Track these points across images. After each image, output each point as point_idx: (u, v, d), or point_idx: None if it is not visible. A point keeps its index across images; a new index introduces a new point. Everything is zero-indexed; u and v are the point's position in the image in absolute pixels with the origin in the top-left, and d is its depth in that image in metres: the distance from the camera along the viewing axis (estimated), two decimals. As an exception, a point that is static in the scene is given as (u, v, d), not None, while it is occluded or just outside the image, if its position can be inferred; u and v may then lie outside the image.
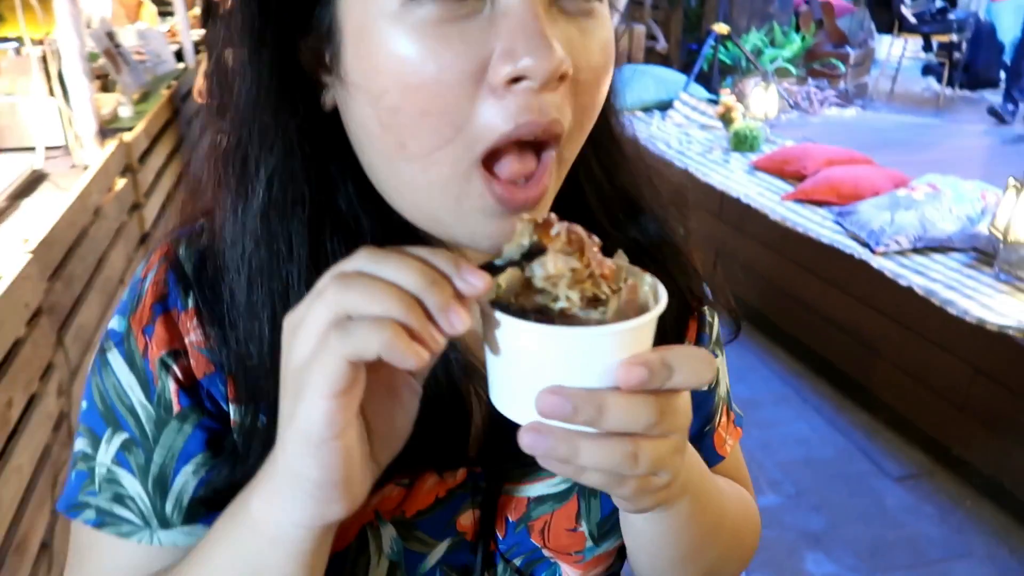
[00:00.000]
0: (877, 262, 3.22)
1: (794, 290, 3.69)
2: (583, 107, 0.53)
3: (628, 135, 0.68)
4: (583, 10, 0.51)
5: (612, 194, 0.66)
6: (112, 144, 3.03)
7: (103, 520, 0.60)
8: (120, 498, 0.60)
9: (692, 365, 0.46)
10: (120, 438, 0.60)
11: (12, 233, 2.26)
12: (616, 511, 0.67)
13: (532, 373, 0.46)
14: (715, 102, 5.35)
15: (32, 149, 2.81)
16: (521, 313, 0.46)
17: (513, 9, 0.48)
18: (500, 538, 0.67)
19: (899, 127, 5.84)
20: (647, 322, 0.46)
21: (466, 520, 0.66)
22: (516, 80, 0.48)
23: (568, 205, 0.59)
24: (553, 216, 0.48)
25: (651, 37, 7.13)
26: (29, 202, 2.55)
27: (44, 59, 2.81)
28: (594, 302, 0.46)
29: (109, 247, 2.77)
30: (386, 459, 0.51)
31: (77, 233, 2.43)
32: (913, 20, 6.82)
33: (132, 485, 0.60)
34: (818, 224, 3.64)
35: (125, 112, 3.64)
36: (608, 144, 0.65)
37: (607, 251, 0.49)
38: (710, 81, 5.91)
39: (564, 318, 0.46)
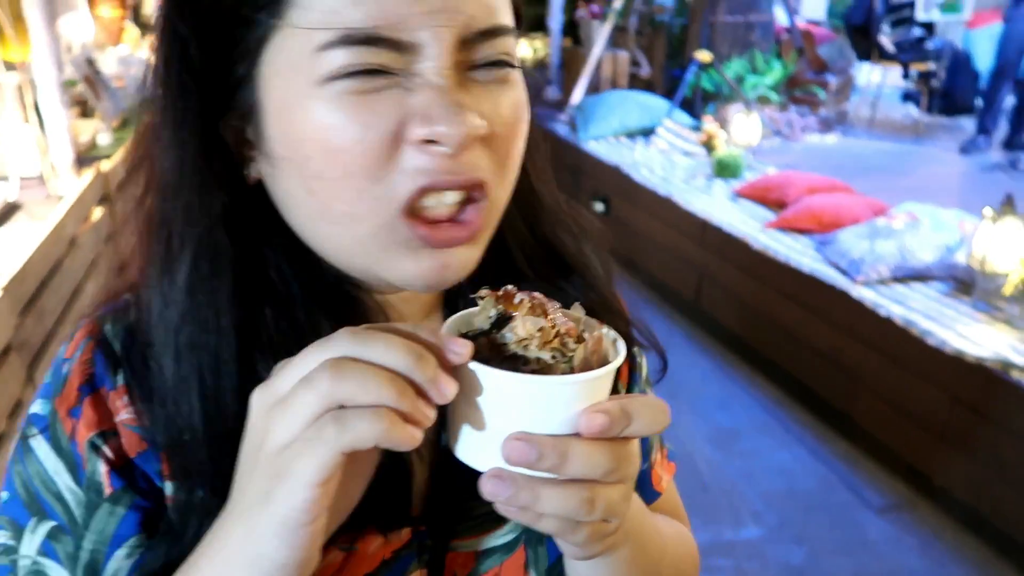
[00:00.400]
0: (857, 291, 3.24)
1: (776, 318, 3.70)
2: (502, 157, 0.57)
3: (548, 187, 0.70)
4: (496, 78, 0.55)
5: (536, 246, 0.69)
6: (89, 173, 3.01)
7: None
8: None
9: (650, 413, 0.49)
10: (46, 527, 0.58)
11: (-16, 266, 2.22)
12: (562, 557, 0.67)
13: (499, 421, 0.48)
14: (698, 128, 5.39)
15: (6, 179, 2.78)
16: (482, 360, 0.48)
17: (429, 80, 0.52)
18: None
19: (879, 154, 5.91)
20: (608, 372, 0.48)
21: None
22: (432, 142, 0.52)
23: (495, 261, 0.62)
24: (512, 287, 0.51)
25: (635, 63, 7.20)
26: (2, 233, 2.52)
27: (20, 87, 2.80)
28: (560, 354, 0.49)
29: (84, 278, 2.74)
30: (335, 526, 0.51)
31: (51, 265, 2.40)
32: (892, 48, 6.93)
33: (58, 574, 0.57)
34: (799, 252, 3.66)
35: (104, 139, 3.62)
36: (528, 197, 0.67)
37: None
38: (693, 107, 5.96)
39: (531, 369, 0.49)
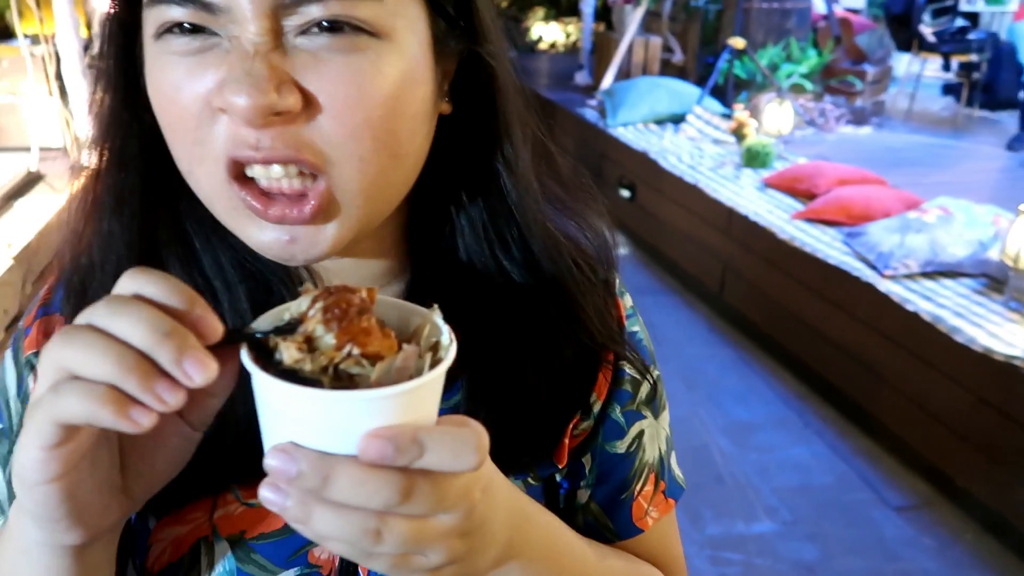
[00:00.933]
0: (884, 285, 3.15)
1: (800, 311, 3.62)
2: (346, 134, 0.51)
3: (523, 170, 0.64)
4: (333, 45, 0.50)
5: (496, 236, 0.64)
6: (111, 146, 3.02)
7: None
8: None
9: (451, 447, 0.43)
10: None
11: (1, 236, 2.24)
12: None
13: (282, 428, 0.44)
14: (729, 116, 5.29)
15: (28, 150, 2.80)
16: (291, 369, 0.44)
17: (236, 43, 0.50)
18: None
19: (915, 147, 5.75)
20: (399, 392, 0.42)
21: (322, 553, 0.61)
22: (226, 112, 0.50)
23: (440, 253, 0.62)
24: (330, 290, 0.46)
25: (667, 49, 7.08)
26: (22, 203, 2.54)
27: (43, 60, 2.82)
28: (375, 357, 0.44)
29: (103, 250, 2.75)
30: (143, 495, 0.50)
31: (68, 235, 2.42)
32: (933, 39, 6.73)
33: None
34: (827, 244, 3.58)
35: (130, 114, 3.64)
36: (486, 180, 0.63)
37: (462, 314, 0.51)
38: (725, 95, 5.85)
39: (339, 374, 0.44)
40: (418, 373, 0.44)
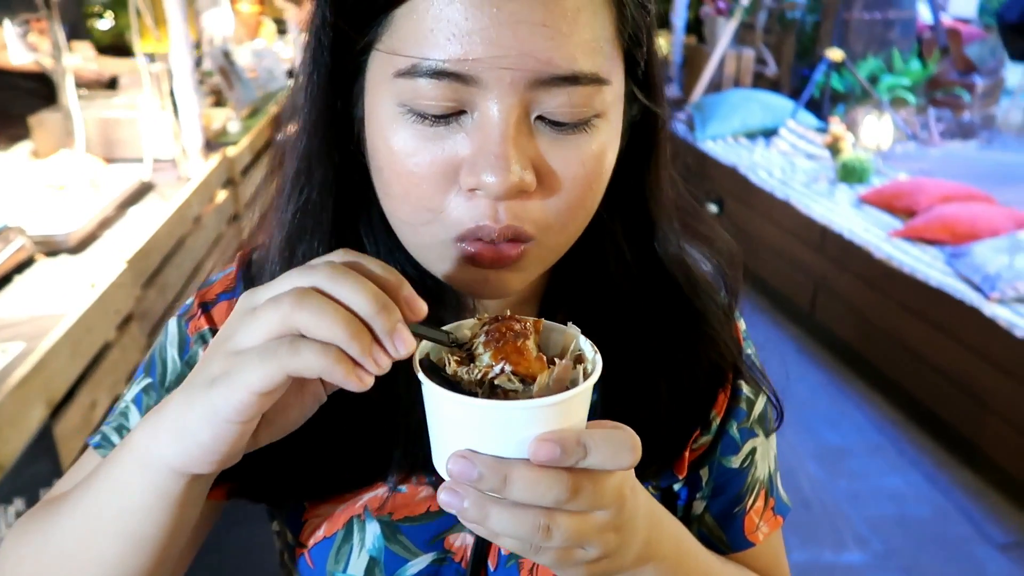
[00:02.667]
0: (990, 309, 2.99)
1: (897, 333, 3.46)
2: (560, 210, 0.56)
3: (666, 205, 0.68)
4: (567, 130, 0.55)
5: (640, 267, 0.69)
6: (216, 158, 3.18)
7: (100, 443, 0.69)
8: (121, 429, 0.69)
9: (612, 447, 0.47)
10: (145, 381, 0.69)
11: (115, 241, 2.39)
12: None
13: (454, 437, 0.49)
14: (824, 130, 5.13)
15: (141, 160, 2.99)
16: (453, 380, 0.50)
17: (486, 126, 0.53)
18: (491, 569, 0.67)
19: (1028, 162, 5.44)
20: (560, 401, 0.47)
21: (456, 540, 0.67)
22: (477, 189, 0.54)
23: (585, 271, 0.65)
24: (486, 326, 0.53)
25: (761, 61, 6.93)
26: (135, 211, 2.70)
27: (159, 76, 3.00)
28: (522, 379, 0.50)
29: (206, 256, 2.90)
30: (265, 441, 0.54)
31: (175, 242, 2.56)
32: (1050, 48, 6.33)
33: (135, 421, 0.68)
34: (927, 264, 3.42)
35: (233, 127, 3.82)
36: (641, 218, 0.68)
37: (611, 320, 0.58)
38: (821, 108, 5.67)
39: (496, 389, 0.50)
40: (573, 384, 0.50)
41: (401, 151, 0.55)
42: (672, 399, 0.68)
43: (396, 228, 0.60)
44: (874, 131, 4.84)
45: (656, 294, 0.69)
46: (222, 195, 3.23)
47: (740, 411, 0.73)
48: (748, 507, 0.74)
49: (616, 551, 0.51)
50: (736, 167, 4.96)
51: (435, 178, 0.54)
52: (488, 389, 0.50)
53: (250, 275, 0.70)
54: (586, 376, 0.50)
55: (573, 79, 0.52)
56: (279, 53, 5.51)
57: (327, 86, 0.59)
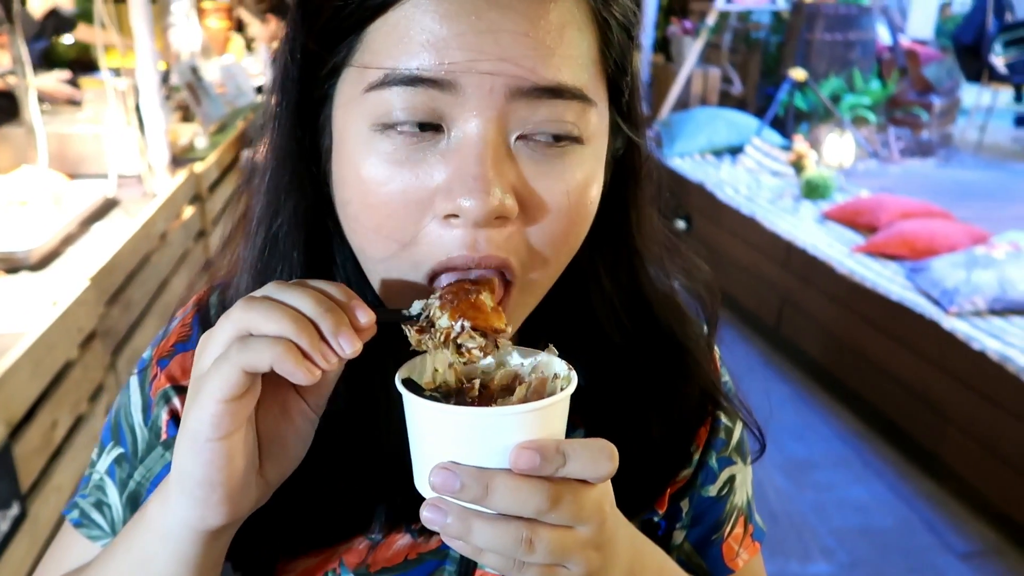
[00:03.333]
0: (949, 323, 3.06)
1: (860, 347, 3.53)
2: (543, 243, 0.54)
3: (651, 240, 0.67)
4: (549, 154, 0.53)
5: (621, 301, 0.67)
6: (182, 174, 3.16)
7: (81, 521, 0.67)
8: (100, 505, 0.67)
9: (590, 455, 0.47)
10: (116, 452, 0.67)
11: (78, 258, 2.36)
12: None
13: (435, 450, 0.49)
14: (788, 148, 5.22)
15: (106, 176, 2.95)
16: (442, 396, 0.51)
17: (464, 147, 0.50)
18: None
19: (984, 180, 5.58)
20: (538, 408, 0.47)
21: None
22: (454, 215, 0.51)
23: (570, 304, 0.64)
24: (443, 286, 0.53)
25: (727, 80, 7.05)
26: (99, 227, 2.67)
27: (124, 92, 2.98)
28: (506, 390, 0.50)
29: (172, 273, 2.87)
30: (276, 477, 0.54)
31: (140, 259, 2.53)
32: (1004, 70, 6.54)
33: (112, 495, 0.66)
34: (888, 279, 3.49)
35: (201, 143, 3.79)
36: (626, 253, 0.66)
37: (595, 355, 0.58)
38: (785, 126, 5.78)
39: (482, 402, 0.51)
40: (550, 395, 0.50)
41: (372, 179, 0.52)
42: (659, 436, 0.67)
43: (365, 266, 0.59)
44: (836, 149, 4.95)
45: (641, 332, 0.68)
46: (189, 211, 3.20)
47: (719, 441, 0.74)
48: (726, 534, 0.74)
49: (599, 571, 0.51)
50: (703, 184, 5.03)
51: (408, 207, 0.52)
52: (454, 350, 0.51)
53: (207, 318, 0.68)
54: (562, 391, 0.50)
55: (557, 91, 0.51)
56: (248, 68, 5.48)
57: (295, 115, 0.58)
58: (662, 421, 0.67)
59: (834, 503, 2.87)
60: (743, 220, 4.49)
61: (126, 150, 3.04)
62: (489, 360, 0.54)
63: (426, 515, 0.48)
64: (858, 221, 4.13)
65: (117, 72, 3.20)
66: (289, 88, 0.57)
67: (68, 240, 2.49)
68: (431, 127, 0.51)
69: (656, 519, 0.72)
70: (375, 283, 0.58)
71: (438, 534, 0.61)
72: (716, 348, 0.77)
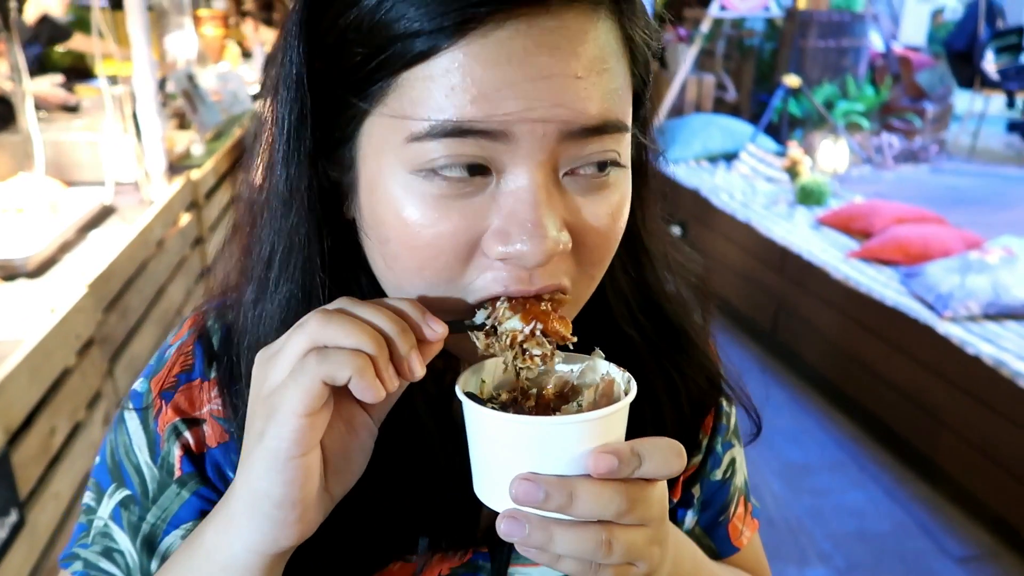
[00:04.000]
0: (943, 327, 3.07)
1: (856, 352, 3.54)
2: (590, 263, 0.56)
3: (656, 240, 0.69)
4: (595, 184, 0.54)
5: (633, 296, 0.69)
6: (179, 181, 3.16)
7: (88, 573, 0.63)
8: (109, 552, 0.63)
9: (662, 455, 0.49)
10: (121, 494, 0.63)
11: (75, 265, 2.36)
12: None
13: (507, 462, 0.49)
14: (782, 154, 5.25)
15: (103, 184, 2.95)
16: (500, 407, 0.52)
17: (516, 192, 0.50)
18: None
19: (977, 185, 5.62)
20: (613, 412, 0.49)
21: None
22: (507, 257, 0.51)
23: (593, 314, 0.63)
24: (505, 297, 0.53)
25: (721, 87, 7.08)
26: (96, 235, 2.67)
27: (121, 99, 2.99)
28: (561, 398, 0.52)
29: (169, 279, 2.87)
30: (339, 492, 0.54)
31: (137, 266, 2.53)
32: (996, 76, 6.59)
33: (123, 540, 0.63)
34: (883, 284, 3.51)
35: (197, 150, 3.80)
36: (635, 250, 0.68)
37: (611, 350, 0.57)
38: (779, 132, 5.81)
39: (540, 411, 0.52)
40: (614, 400, 0.52)
41: (416, 222, 0.51)
42: (673, 425, 0.69)
43: (392, 288, 0.57)
44: (830, 155, 4.97)
45: (652, 326, 0.69)
46: (186, 218, 3.20)
47: (722, 426, 0.77)
48: (731, 515, 0.78)
49: (659, 566, 0.52)
50: (698, 190, 5.05)
51: (457, 249, 0.51)
52: (520, 354, 0.51)
53: (210, 344, 0.65)
54: (626, 395, 0.52)
55: (604, 128, 0.51)
56: (243, 76, 5.49)
57: (311, 154, 0.55)
58: (675, 411, 0.69)
59: (831, 508, 2.88)
60: (738, 226, 4.51)
61: (123, 157, 3.05)
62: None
63: (505, 528, 0.49)
64: (852, 227, 4.15)
65: (114, 80, 3.21)
66: (302, 128, 0.55)
67: (65, 247, 2.49)
68: (480, 170, 0.50)
69: (671, 506, 0.74)
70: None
71: (469, 548, 0.65)
72: (712, 339, 0.79)
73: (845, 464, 3.15)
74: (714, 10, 6.42)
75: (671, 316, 0.70)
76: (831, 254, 3.90)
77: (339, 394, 0.49)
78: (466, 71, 0.47)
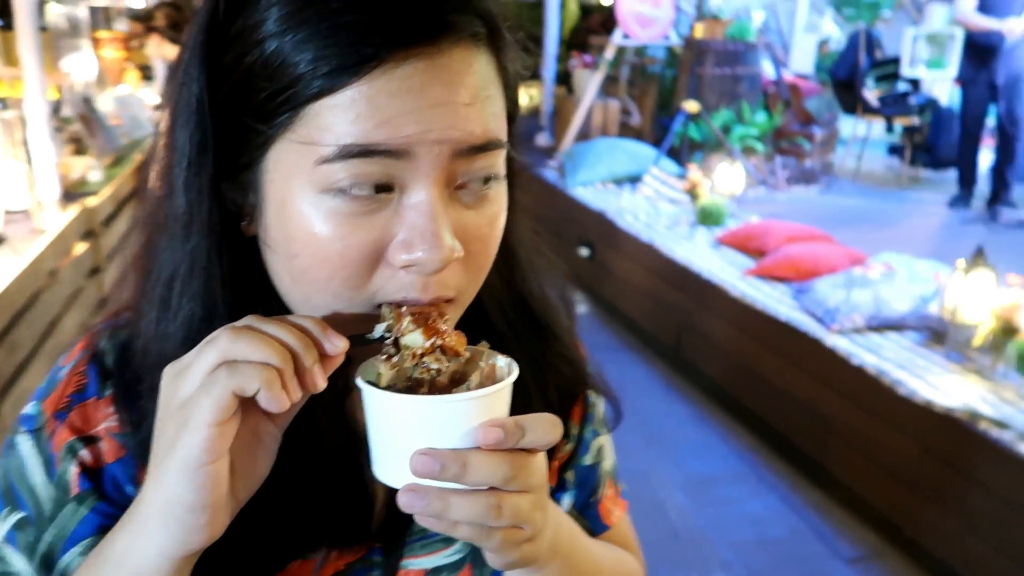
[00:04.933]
0: (831, 340, 3.26)
1: (754, 366, 3.72)
2: (475, 268, 0.62)
3: (524, 243, 0.76)
4: (480, 196, 0.61)
5: (509, 302, 0.76)
6: (74, 209, 3.05)
7: None
8: None
9: (542, 426, 0.56)
10: (15, 517, 0.65)
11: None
12: None
13: (406, 440, 0.54)
14: (684, 177, 5.47)
15: (-9, 213, 2.83)
16: (396, 383, 0.57)
17: (417, 205, 0.56)
18: None
19: (861, 205, 6.00)
20: (498, 390, 0.55)
21: None
22: (411, 265, 0.57)
23: (471, 316, 0.69)
24: (405, 308, 0.59)
25: (625, 112, 7.32)
26: (-18, 266, 2.55)
27: (11, 123, 2.87)
28: (458, 382, 0.58)
29: (63, 311, 2.76)
30: (245, 496, 0.57)
31: (27, 298, 2.43)
32: (876, 103, 7.06)
33: (19, 562, 0.64)
34: (776, 300, 3.70)
35: (95, 176, 3.67)
36: (507, 258, 0.74)
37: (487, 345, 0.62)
38: (680, 156, 6.05)
39: (433, 392, 0.56)
40: (499, 381, 0.58)
41: (327, 237, 0.56)
42: (541, 411, 0.74)
43: (303, 307, 0.61)
44: (728, 177, 5.21)
45: (521, 323, 0.76)
46: (81, 247, 3.09)
47: (590, 416, 0.85)
48: (602, 496, 0.86)
49: (541, 531, 0.58)
50: (604, 212, 5.20)
51: (364, 260, 0.57)
52: (419, 367, 0.57)
53: (104, 363, 0.67)
54: (510, 375, 0.58)
55: (489, 146, 0.58)
56: (144, 100, 5.34)
57: (213, 178, 0.59)
58: (544, 402, 0.75)
59: (732, 517, 3.00)
60: (642, 246, 4.67)
61: (13, 185, 2.93)
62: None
63: (404, 501, 0.54)
64: (748, 245, 4.35)
65: (3, 103, 3.08)
66: (204, 155, 0.59)
67: (-52, 280, 2.37)
68: (384, 188, 0.56)
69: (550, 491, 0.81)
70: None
71: (363, 543, 0.69)
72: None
73: (745, 474, 3.29)
74: (617, 38, 6.65)
75: (537, 313, 0.77)
76: (729, 272, 4.08)
77: (246, 404, 0.53)
78: (371, 101, 0.54)
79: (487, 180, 0.60)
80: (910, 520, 2.83)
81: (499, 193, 0.62)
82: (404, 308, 0.58)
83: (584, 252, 5.35)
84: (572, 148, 6.40)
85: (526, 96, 9.48)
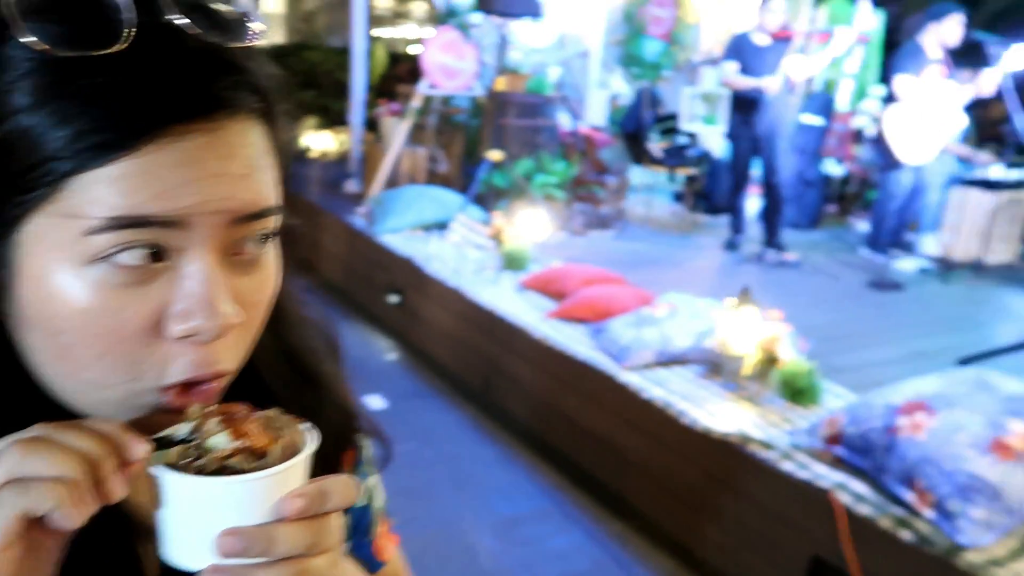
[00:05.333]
0: (624, 376, 3.48)
1: (557, 405, 3.87)
2: (255, 332, 0.63)
3: (289, 294, 0.76)
4: (254, 259, 0.61)
5: (280, 360, 0.76)
6: None
7: None
8: None
9: (343, 489, 0.57)
10: None
11: None
12: None
13: (207, 522, 0.53)
14: (489, 223, 5.64)
15: None
16: (194, 472, 0.55)
17: (194, 274, 0.55)
18: None
19: (650, 248, 6.48)
20: (295, 464, 0.56)
21: None
22: (190, 335, 0.55)
23: (242, 374, 0.68)
24: (215, 407, 0.57)
25: (433, 159, 7.46)
26: None
27: None
28: (259, 456, 0.56)
29: None
30: None
31: None
32: (659, 154, 7.72)
33: None
34: (576, 341, 3.89)
35: None
36: (278, 315, 0.73)
37: (256, 398, 0.61)
38: (487, 203, 6.25)
39: (232, 471, 0.55)
40: (298, 449, 0.57)
41: (97, 311, 0.53)
42: (316, 458, 0.75)
43: (67, 391, 0.57)
44: (530, 223, 5.45)
45: (289, 372, 0.76)
46: None
47: (360, 459, 0.86)
48: (376, 535, 0.88)
49: None
50: (412, 259, 5.24)
51: (138, 333, 0.54)
52: (219, 470, 0.55)
53: None
54: (310, 443, 0.58)
55: (262, 214, 0.58)
56: None
57: None
58: (320, 453, 0.76)
59: (539, 555, 3.08)
60: (450, 292, 4.75)
61: None
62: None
63: None
64: (550, 289, 4.56)
65: None
66: None
67: None
68: (157, 257, 0.54)
69: None
70: (79, 398, 0.58)
71: None
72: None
73: (551, 512, 3.40)
74: (424, 87, 6.79)
75: (306, 364, 0.78)
76: (532, 315, 4.24)
77: (33, 521, 0.49)
78: (146, 174, 0.52)
79: (265, 239, 0.61)
80: (698, 541, 3.05)
81: (273, 253, 0.63)
82: (214, 407, 0.57)
83: (394, 299, 5.35)
84: (381, 195, 6.42)
85: (335, 142, 9.41)
